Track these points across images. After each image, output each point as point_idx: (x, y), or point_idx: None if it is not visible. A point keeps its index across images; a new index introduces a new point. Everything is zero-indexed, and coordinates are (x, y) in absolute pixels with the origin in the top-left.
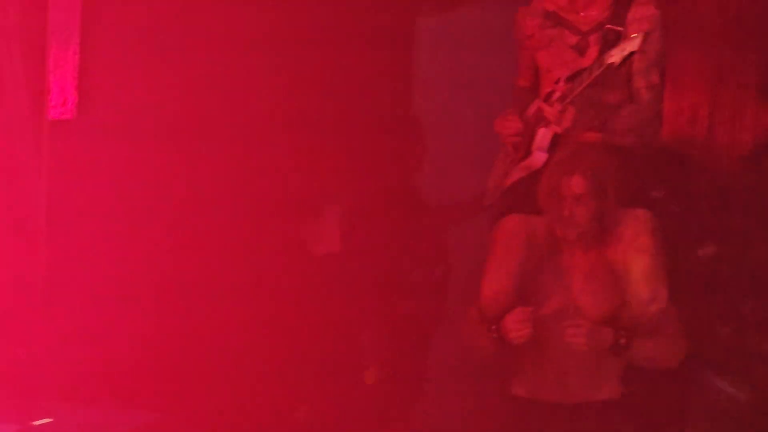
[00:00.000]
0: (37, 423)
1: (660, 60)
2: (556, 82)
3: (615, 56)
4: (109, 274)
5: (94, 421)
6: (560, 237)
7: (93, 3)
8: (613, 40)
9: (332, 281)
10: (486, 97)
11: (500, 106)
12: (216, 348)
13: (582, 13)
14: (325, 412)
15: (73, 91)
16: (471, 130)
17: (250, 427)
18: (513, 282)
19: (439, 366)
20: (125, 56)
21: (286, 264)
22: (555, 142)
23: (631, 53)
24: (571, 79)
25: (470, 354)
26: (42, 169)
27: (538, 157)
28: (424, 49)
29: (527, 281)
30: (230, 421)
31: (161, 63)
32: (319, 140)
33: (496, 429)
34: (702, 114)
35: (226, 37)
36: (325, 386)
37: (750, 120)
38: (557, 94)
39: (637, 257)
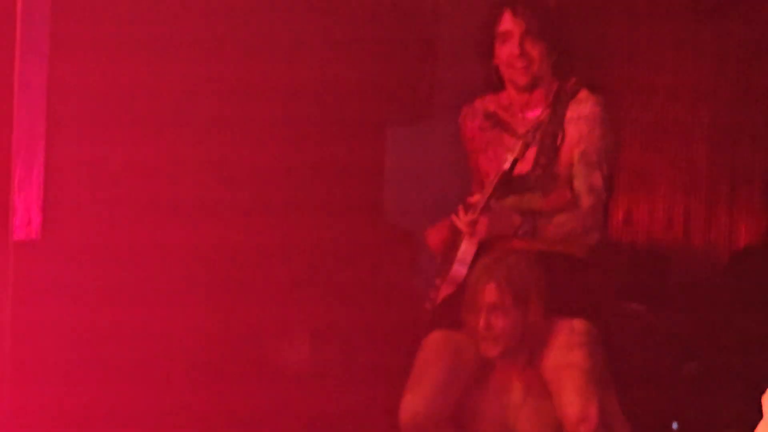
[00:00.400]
0: None
1: (603, 161)
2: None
3: (506, 162)
4: (75, 395)
5: None
6: (484, 354)
7: (56, 124)
8: (549, 144)
9: None
10: None
11: None
12: None
13: (521, 114)
14: None
15: (38, 211)
16: None
17: None
18: (434, 403)
19: None
20: (90, 175)
21: None
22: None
23: (515, 160)
24: (500, 185)
25: None
26: (7, 289)
27: (458, 271)
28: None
29: (456, 403)
30: None
31: (127, 182)
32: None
33: None
34: (677, 218)
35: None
36: None
37: (724, 224)
38: (476, 202)
39: (568, 373)
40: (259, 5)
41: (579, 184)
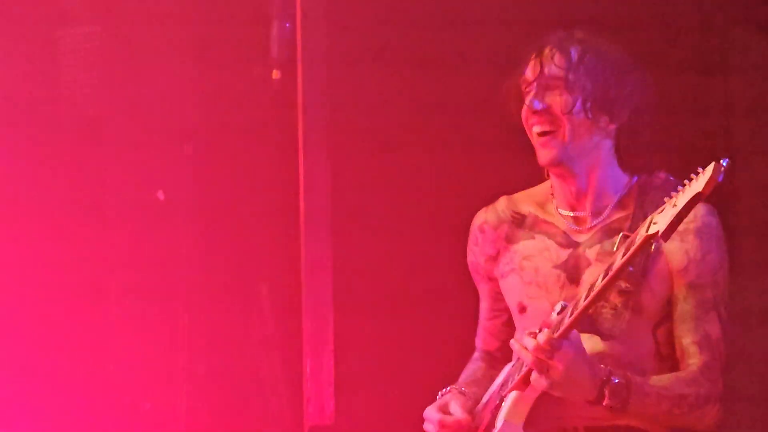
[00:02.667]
0: None
1: (721, 300)
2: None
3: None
4: None
5: None
6: None
7: (343, 308)
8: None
9: None
10: None
11: None
12: None
13: (574, 218)
14: None
15: (330, 397)
16: None
17: None
18: None
19: None
20: (377, 358)
21: None
22: None
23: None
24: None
25: None
26: None
27: None
28: None
29: None
30: None
31: (412, 361)
32: None
33: None
34: None
35: None
36: None
37: None
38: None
39: None
40: None
41: (687, 331)
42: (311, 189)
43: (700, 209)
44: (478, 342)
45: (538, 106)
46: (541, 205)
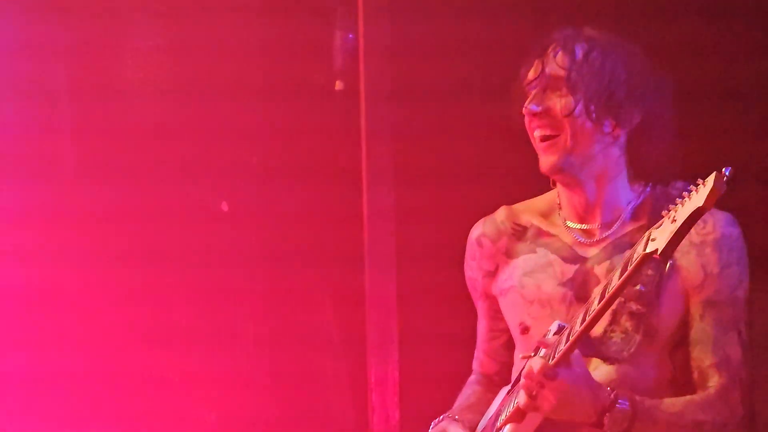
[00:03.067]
0: None
1: (740, 318)
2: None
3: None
4: None
5: None
6: None
7: (406, 321)
8: (648, 281)
9: None
10: None
11: None
12: None
13: (581, 230)
14: None
15: (395, 408)
16: None
17: None
18: None
19: None
20: (441, 370)
21: None
22: None
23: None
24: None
25: None
26: None
27: None
28: None
29: None
30: None
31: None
32: None
33: None
34: None
35: None
36: None
37: None
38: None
39: None
40: None
41: (704, 354)
42: (374, 203)
43: (719, 219)
44: (476, 365)
45: (536, 108)
46: (546, 216)
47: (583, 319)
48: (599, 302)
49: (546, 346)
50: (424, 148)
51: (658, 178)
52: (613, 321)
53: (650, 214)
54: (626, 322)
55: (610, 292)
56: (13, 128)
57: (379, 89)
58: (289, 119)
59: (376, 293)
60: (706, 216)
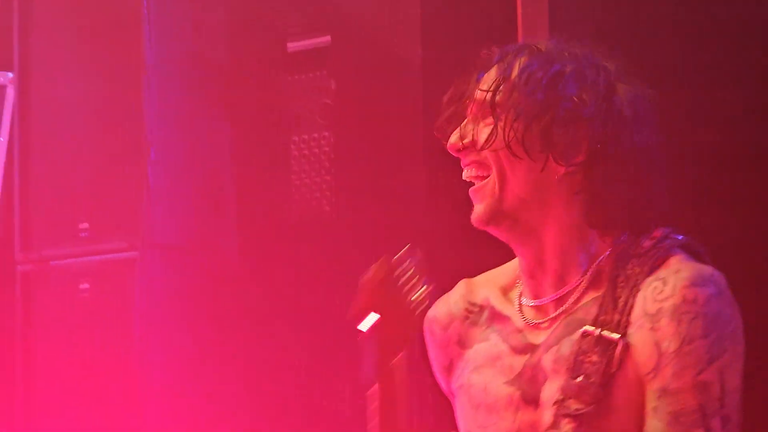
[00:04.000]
0: None
1: (716, 409)
2: None
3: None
4: None
5: None
6: None
7: None
8: (593, 368)
9: None
10: None
11: None
12: None
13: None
14: None
15: None
16: None
17: None
18: None
19: None
20: None
21: None
22: None
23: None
24: None
25: None
26: None
27: None
28: None
29: None
30: None
31: None
32: None
33: None
34: None
35: None
36: None
37: None
38: None
39: None
40: None
41: None
42: None
43: (683, 277)
44: None
45: (453, 139)
46: (506, 292)
47: None
48: None
49: None
50: None
51: (635, 224)
52: (553, 426)
53: (610, 279)
54: (567, 426)
55: None
56: None
57: None
58: None
59: None
60: (667, 274)
